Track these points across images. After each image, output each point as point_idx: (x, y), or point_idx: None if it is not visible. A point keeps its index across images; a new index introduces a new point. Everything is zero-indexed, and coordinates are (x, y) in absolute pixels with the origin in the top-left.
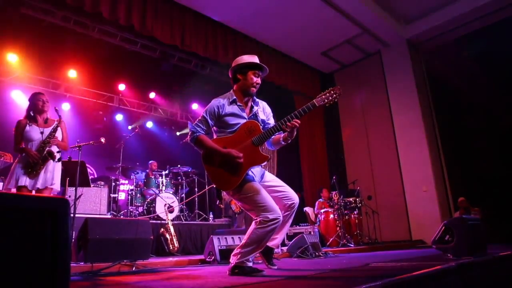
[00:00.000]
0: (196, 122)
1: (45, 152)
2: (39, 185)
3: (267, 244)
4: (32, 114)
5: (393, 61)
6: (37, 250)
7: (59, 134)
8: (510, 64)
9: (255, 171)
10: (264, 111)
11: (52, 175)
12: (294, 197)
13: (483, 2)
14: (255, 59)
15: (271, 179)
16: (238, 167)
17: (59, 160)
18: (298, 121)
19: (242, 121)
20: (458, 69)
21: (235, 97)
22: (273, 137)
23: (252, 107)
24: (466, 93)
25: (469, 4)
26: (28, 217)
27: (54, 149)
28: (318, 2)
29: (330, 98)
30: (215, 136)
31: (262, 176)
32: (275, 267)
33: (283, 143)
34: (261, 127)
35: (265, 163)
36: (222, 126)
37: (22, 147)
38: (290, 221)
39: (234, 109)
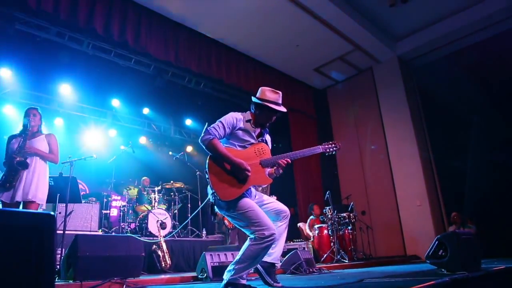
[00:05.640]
0: (213, 126)
1: (15, 162)
2: (18, 198)
3: (267, 260)
4: (23, 129)
5: (385, 77)
6: (21, 266)
7: (42, 146)
8: (501, 79)
9: (252, 190)
10: (269, 141)
11: (33, 188)
12: (285, 208)
13: (471, 20)
14: (278, 98)
15: (259, 195)
16: (243, 180)
17: (20, 164)
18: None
19: (252, 140)
20: (449, 85)
21: (250, 118)
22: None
23: (262, 133)
24: (457, 107)
25: (457, 22)
26: (13, 233)
27: (43, 165)
28: (311, 20)
29: (330, 150)
30: (224, 145)
31: (255, 195)
32: (280, 285)
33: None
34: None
35: (266, 185)
36: (233, 139)
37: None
38: (285, 233)
39: (247, 126)
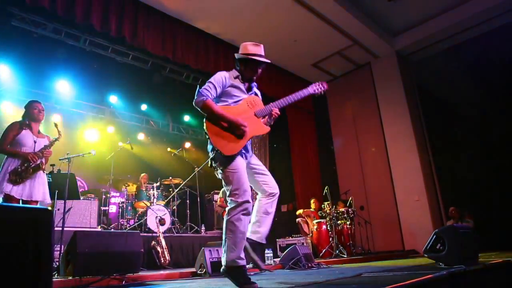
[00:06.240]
0: (204, 87)
1: (34, 164)
2: (24, 196)
3: (253, 238)
4: (27, 122)
5: (383, 72)
6: (18, 261)
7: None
8: (498, 74)
9: (249, 147)
10: (259, 93)
11: (43, 189)
12: (275, 187)
13: (469, 14)
14: (260, 50)
15: (257, 163)
16: (242, 135)
17: (42, 168)
18: (278, 113)
19: (243, 95)
20: (447, 79)
21: (238, 74)
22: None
23: (251, 87)
24: (455, 102)
25: (455, 16)
26: (9, 227)
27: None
28: (309, 15)
29: (318, 90)
30: (218, 104)
31: (251, 157)
32: (263, 265)
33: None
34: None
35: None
36: (225, 96)
37: (13, 150)
38: (272, 211)
39: (236, 82)
